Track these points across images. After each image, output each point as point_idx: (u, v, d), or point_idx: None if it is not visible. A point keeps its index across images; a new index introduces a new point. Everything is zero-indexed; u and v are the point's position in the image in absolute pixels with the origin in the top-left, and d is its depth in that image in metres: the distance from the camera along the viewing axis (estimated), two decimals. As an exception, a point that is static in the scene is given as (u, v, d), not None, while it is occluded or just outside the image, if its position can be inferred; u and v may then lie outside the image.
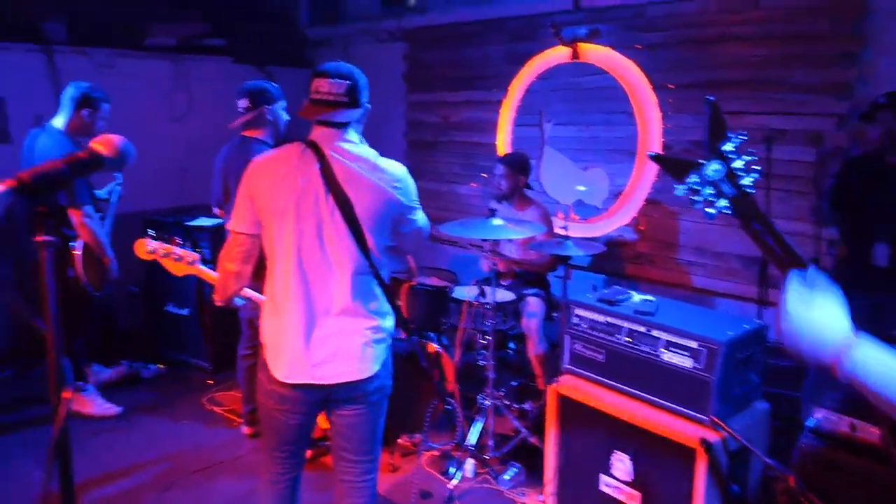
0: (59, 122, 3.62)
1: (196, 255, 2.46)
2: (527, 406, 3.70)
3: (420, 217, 2.17)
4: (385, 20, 5.40)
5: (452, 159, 5.32)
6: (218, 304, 2.24)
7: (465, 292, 3.78)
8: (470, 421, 3.48)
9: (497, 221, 3.20)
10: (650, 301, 2.73)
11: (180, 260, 2.44)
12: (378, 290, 2.10)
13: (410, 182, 2.10)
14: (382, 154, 2.14)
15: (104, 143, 1.32)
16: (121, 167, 1.36)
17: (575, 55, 4.38)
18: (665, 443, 2.43)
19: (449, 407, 3.48)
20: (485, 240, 3.39)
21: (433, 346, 3.64)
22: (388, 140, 5.74)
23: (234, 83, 5.67)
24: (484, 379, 3.49)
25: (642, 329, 2.57)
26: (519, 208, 4.01)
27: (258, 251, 2.11)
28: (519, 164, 3.99)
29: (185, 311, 4.67)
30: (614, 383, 2.68)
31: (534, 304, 3.81)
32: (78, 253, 3.62)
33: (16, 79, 4.60)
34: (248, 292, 2.40)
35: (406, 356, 3.37)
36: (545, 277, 4.12)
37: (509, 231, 3.21)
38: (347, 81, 1.99)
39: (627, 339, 2.62)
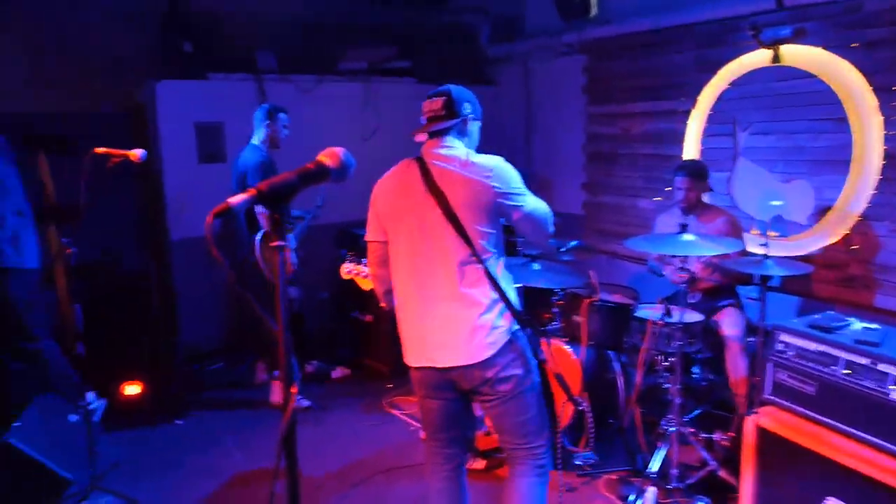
0: (255, 139, 4.27)
1: None
2: (716, 436, 3.42)
3: (529, 202, 2.30)
4: (565, 34, 5.35)
5: (634, 172, 5.12)
6: (384, 307, 2.54)
7: (649, 311, 3.59)
8: (650, 447, 3.29)
9: (688, 237, 3.01)
10: (874, 330, 2.40)
11: (367, 277, 2.74)
12: (487, 279, 2.23)
13: (507, 170, 2.27)
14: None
15: (329, 156, 1.42)
16: (343, 178, 1.45)
17: (776, 58, 4.02)
18: (894, 494, 2.11)
19: (581, 408, 3.40)
20: (674, 256, 3.21)
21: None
22: (566, 153, 5.67)
23: (417, 102, 6.00)
24: (666, 403, 3.28)
25: (865, 361, 2.26)
26: (705, 219, 3.75)
27: (386, 256, 2.41)
28: (700, 172, 3.78)
29: (368, 318, 4.94)
30: (828, 420, 2.38)
31: (733, 316, 3.53)
32: (257, 239, 4.04)
33: (232, 105, 5.17)
34: None
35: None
36: (736, 291, 3.80)
37: (702, 247, 3.01)
38: (443, 97, 2.32)
39: (846, 371, 2.32)
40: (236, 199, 1.27)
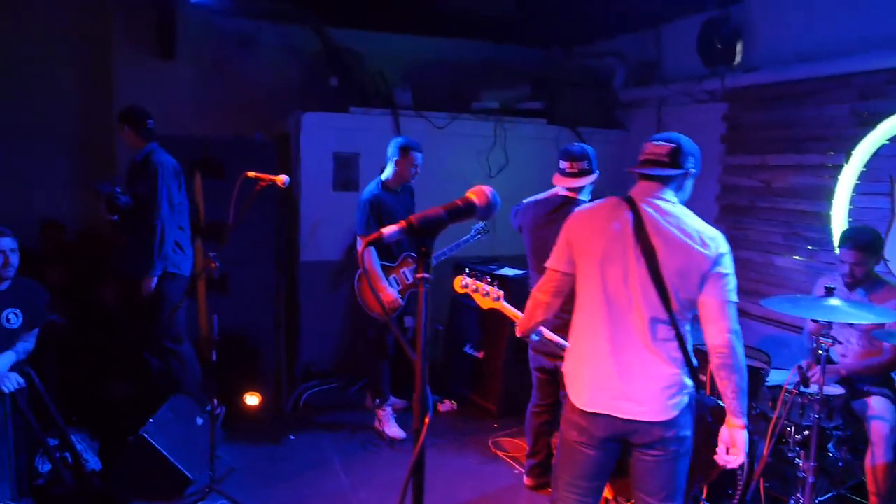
0: (384, 173, 4.33)
1: (501, 293, 2.70)
2: (852, 525, 3.09)
3: (734, 292, 2.18)
4: (706, 80, 5.18)
5: (772, 228, 4.82)
6: (518, 334, 2.49)
7: (783, 377, 3.33)
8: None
9: (835, 301, 2.78)
10: None
11: (487, 295, 2.69)
12: (678, 342, 2.18)
13: (723, 246, 2.17)
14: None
15: (477, 194, 1.46)
16: (489, 216, 1.48)
17: (946, 114, 3.67)
18: None
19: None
20: (816, 321, 2.96)
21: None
22: (697, 203, 5.40)
23: (545, 143, 6.03)
24: (794, 480, 3.01)
25: None
26: (876, 298, 3.35)
27: (568, 289, 2.34)
28: (871, 245, 3.37)
29: (480, 354, 4.93)
30: None
31: (881, 405, 3.20)
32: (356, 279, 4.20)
33: (369, 137, 5.43)
34: (549, 334, 2.65)
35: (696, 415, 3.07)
36: (890, 376, 3.44)
37: (850, 314, 2.76)
38: (671, 145, 2.24)
39: None
40: (388, 229, 1.34)
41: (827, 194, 4.36)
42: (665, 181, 2.23)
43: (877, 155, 4.09)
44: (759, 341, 4.63)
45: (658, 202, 2.20)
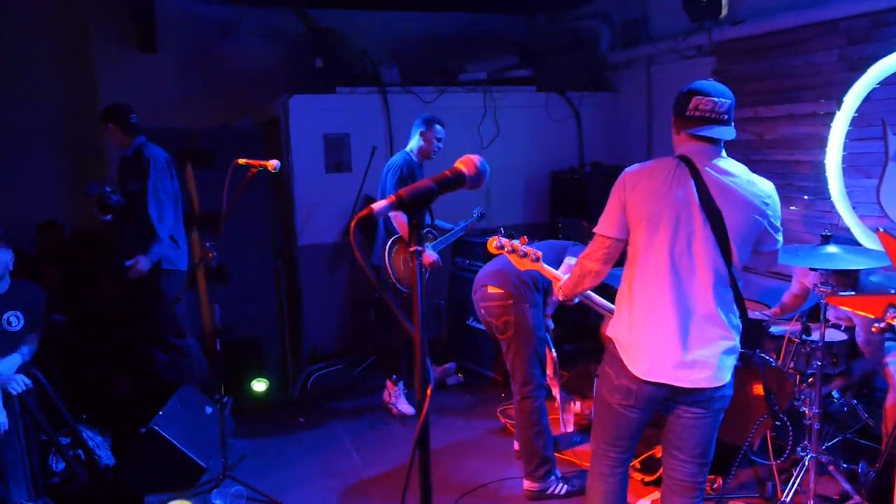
0: (409, 146, 4.35)
1: (540, 253, 2.60)
2: (860, 467, 3.12)
3: (780, 239, 2.25)
4: (692, 35, 5.12)
5: (768, 180, 4.80)
6: (560, 298, 2.47)
7: (785, 327, 3.34)
8: (782, 474, 3.06)
9: (832, 248, 2.78)
10: None
11: (525, 256, 2.60)
12: (735, 304, 2.19)
13: (778, 201, 2.21)
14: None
15: (466, 163, 1.45)
16: (478, 185, 1.46)
17: (936, 53, 3.64)
18: None
19: (779, 424, 3.12)
20: (813, 269, 2.97)
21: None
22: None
23: (536, 111, 5.99)
24: (802, 428, 3.04)
25: None
26: None
27: (618, 255, 2.27)
28: None
29: (482, 327, 4.94)
30: None
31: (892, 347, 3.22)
32: (386, 245, 4.15)
33: (358, 116, 5.40)
34: (596, 298, 2.58)
35: (746, 368, 3.10)
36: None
37: (846, 260, 2.76)
38: (729, 100, 2.15)
39: None
40: (378, 205, 1.31)
41: (820, 143, 4.34)
42: (719, 141, 2.16)
43: (868, 100, 4.06)
44: (759, 293, 4.64)
45: (718, 163, 2.14)
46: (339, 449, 3.99)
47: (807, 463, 2.96)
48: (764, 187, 2.17)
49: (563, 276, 2.51)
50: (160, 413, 3.57)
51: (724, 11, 4.81)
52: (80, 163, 5.32)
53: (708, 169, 2.12)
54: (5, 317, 3.48)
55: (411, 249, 1.32)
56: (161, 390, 3.95)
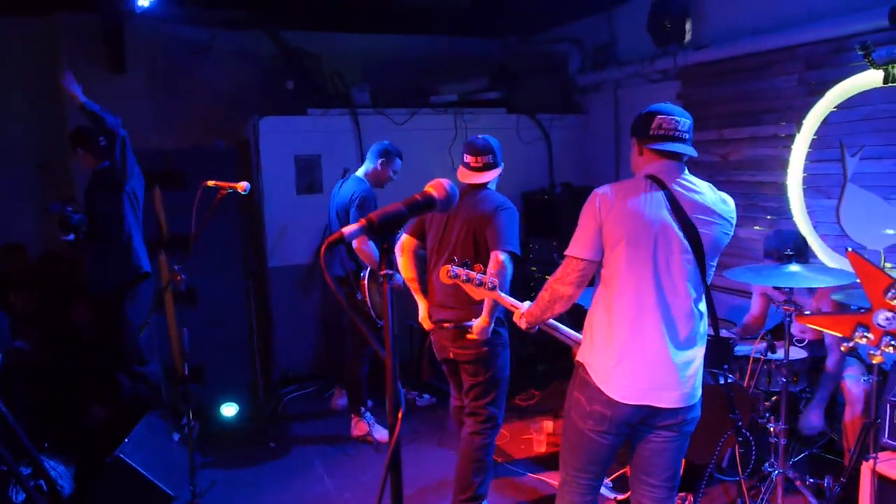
0: (360, 171, 4.22)
1: (496, 281, 2.54)
2: (825, 482, 3.17)
3: None
4: (658, 60, 5.25)
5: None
6: (524, 327, 2.40)
7: (750, 346, 3.40)
8: (751, 490, 3.10)
9: (794, 267, 2.85)
10: None
11: (481, 285, 2.52)
12: (710, 318, 2.24)
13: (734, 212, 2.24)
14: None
15: (435, 187, 1.46)
16: (448, 208, 1.47)
17: (888, 78, 3.77)
18: None
19: (741, 440, 3.09)
20: (777, 288, 3.04)
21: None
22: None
23: (506, 133, 6.06)
24: (767, 445, 3.09)
25: None
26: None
27: (591, 277, 2.23)
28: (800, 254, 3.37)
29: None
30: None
31: (853, 367, 3.30)
32: (364, 280, 4.06)
33: (329, 138, 5.41)
34: (558, 325, 2.47)
35: (712, 386, 3.13)
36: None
37: (809, 279, 2.83)
38: (689, 120, 2.19)
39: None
40: (349, 229, 1.31)
41: (782, 164, 4.46)
42: (682, 158, 2.20)
43: (826, 123, 4.19)
44: (725, 311, 4.72)
45: (684, 180, 2.17)
46: (311, 474, 3.93)
47: (774, 479, 3.00)
48: (730, 203, 2.21)
49: (522, 304, 2.46)
50: (126, 441, 3.49)
51: (689, 37, 4.95)
52: (47, 185, 5.24)
53: (677, 187, 2.14)
54: (-35, 343, 3.40)
55: (381, 273, 1.32)
56: (127, 417, 3.87)
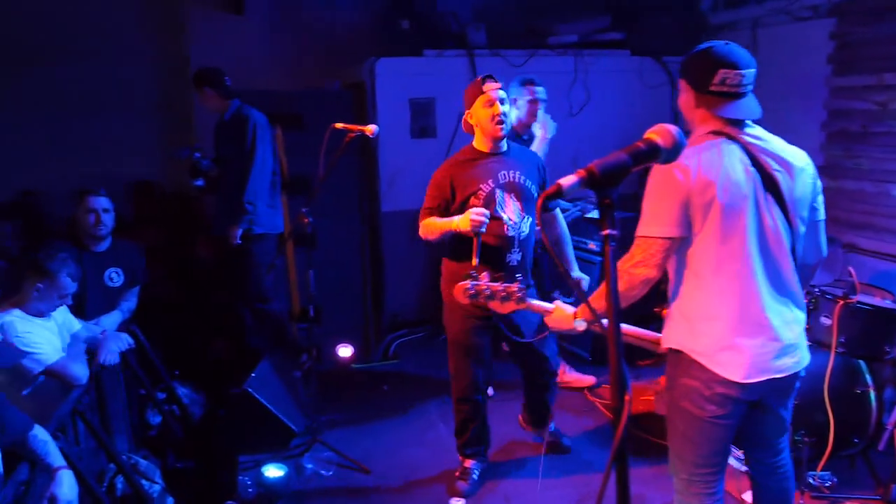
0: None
1: (525, 287, 2.23)
2: None
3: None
4: (809, -6, 4.72)
5: (888, 154, 4.40)
6: (584, 327, 2.15)
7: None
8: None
9: None
10: None
11: (509, 298, 2.22)
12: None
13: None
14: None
15: (660, 133, 1.28)
16: (672, 159, 1.29)
17: None
18: None
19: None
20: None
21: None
22: (798, 132, 5.01)
23: (629, 76, 5.70)
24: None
25: None
26: None
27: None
28: None
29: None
30: None
31: None
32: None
33: (444, 81, 5.24)
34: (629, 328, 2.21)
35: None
36: None
37: None
38: (755, 70, 1.97)
39: None
40: (566, 180, 1.16)
41: (956, 114, 3.93)
42: None
43: None
44: (872, 277, 4.30)
45: (751, 130, 2.00)
46: (425, 420, 3.95)
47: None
48: (804, 154, 2.05)
49: (564, 306, 2.21)
50: (252, 375, 3.60)
51: (850, -33, 4.39)
52: (170, 125, 5.39)
53: (747, 139, 1.97)
54: (107, 273, 3.56)
55: (604, 233, 1.14)
56: (250, 353, 4.00)
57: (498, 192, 2.92)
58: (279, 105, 4.61)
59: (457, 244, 2.95)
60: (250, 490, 3.15)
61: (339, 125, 3.17)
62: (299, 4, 5.46)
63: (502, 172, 2.96)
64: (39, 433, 2.31)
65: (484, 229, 2.73)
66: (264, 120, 4.06)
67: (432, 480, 3.36)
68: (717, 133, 1.96)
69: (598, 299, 1.99)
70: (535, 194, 3.03)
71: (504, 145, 3.03)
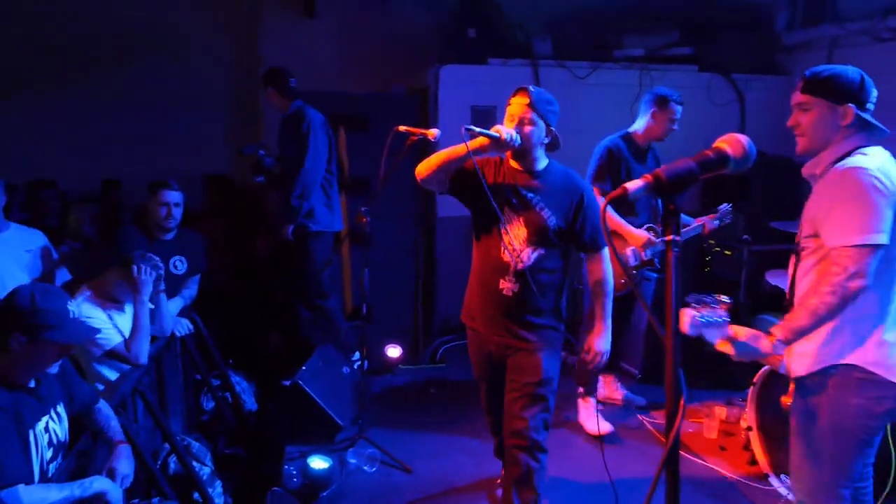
0: (634, 126, 3.85)
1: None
2: None
3: None
4: (893, 15, 4.54)
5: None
6: (783, 351, 1.99)
7: None
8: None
9: None
10: None
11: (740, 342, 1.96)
12: None
13: None
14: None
15: (730, 142, 1.28)
16: (742, 169, 1.28)
17: None
18: None
19: None
20: None
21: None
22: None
23: (696, 92, 5.60)
24: None
25: None
26: None
27: None
28: None
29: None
30: None
31: None
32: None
33: (506, 90, 5.21)
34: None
35: None
36: None
37: None
38: None
39: None
40: (632, 184, 1.18)
41: None
42: None
43: None
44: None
45: None
46: (471, 428, 3.92)
47: None
48: None
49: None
50: (303, 368, 3.69)
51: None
52: (242, 123, 5.59)
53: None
54: (172, 261, 3.70)
55: (667, 239, 1.15)
56: (303, 346, 4.09)
57: (507, 209, 2.67)
58: (346, 107, 4.73)
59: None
60: (295, 480, 3.22)
61: (403, 128, 3.22)
62: (368, 9, 5.58)
63: (523, 190, 2.70)
64: (104, 407, 2.42)
65: (517, 143, 2.53)
66: (320, 120, 4.16)
67: (473, 487, 3.36)
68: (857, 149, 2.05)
69: (797, 325, 1.95)
70: (552, 228, 2.65)
71: (540, 163, 2.75)
